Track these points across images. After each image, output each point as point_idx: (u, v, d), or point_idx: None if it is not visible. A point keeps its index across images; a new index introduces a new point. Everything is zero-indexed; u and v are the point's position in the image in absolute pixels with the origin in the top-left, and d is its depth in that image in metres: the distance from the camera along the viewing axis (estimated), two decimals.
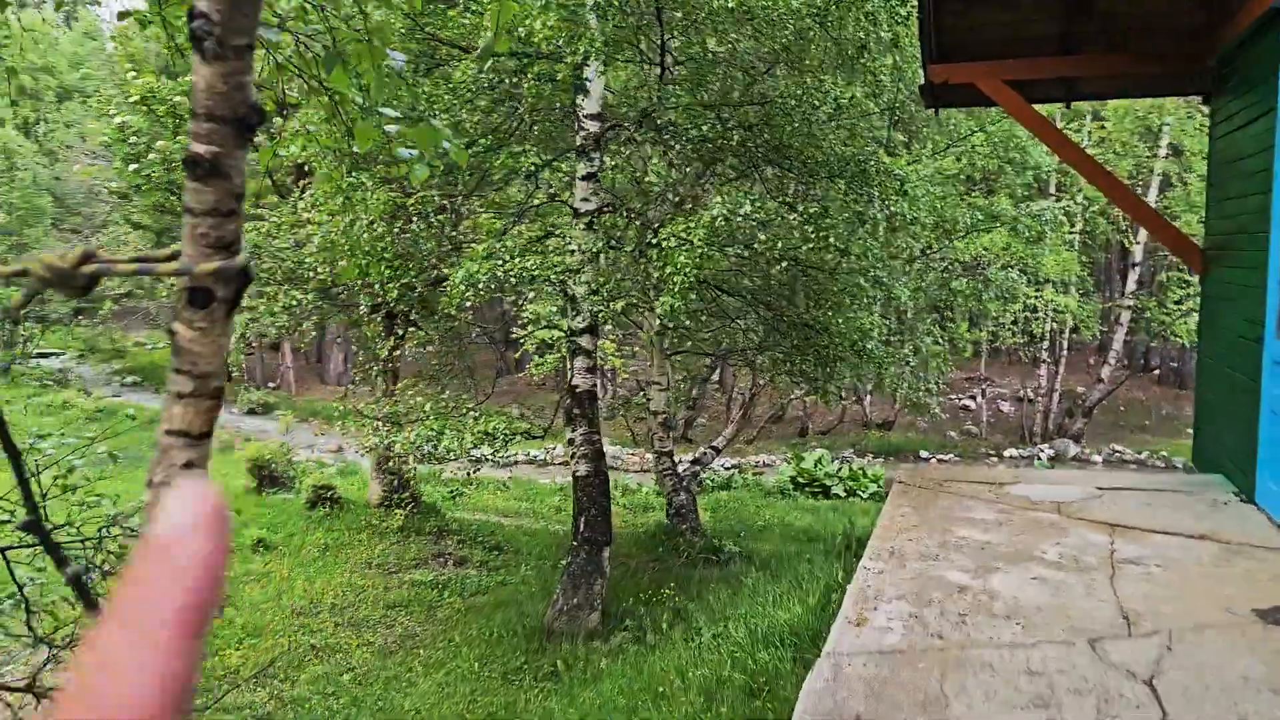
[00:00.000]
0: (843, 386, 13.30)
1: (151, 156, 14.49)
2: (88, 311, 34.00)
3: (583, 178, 11.56)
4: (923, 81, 10.44)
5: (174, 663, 0.44)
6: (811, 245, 9.76)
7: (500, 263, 9.46)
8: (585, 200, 11.48)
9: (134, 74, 15.83)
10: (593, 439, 11.54)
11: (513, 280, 9.46)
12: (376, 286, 10.38)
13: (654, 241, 9.77)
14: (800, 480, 23.43)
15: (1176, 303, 28.43)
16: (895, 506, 7.97)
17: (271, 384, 36.49)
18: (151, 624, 0.44)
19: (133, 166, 15.49)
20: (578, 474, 11.46)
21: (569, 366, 11.76)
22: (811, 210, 9.96)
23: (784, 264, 10.19)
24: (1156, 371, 39.02)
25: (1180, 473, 9.85)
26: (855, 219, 10.99)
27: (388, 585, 14.30)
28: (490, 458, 12.63)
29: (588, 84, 11.37)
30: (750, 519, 21.05)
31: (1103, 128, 24.44)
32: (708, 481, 23.35)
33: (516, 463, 29.12)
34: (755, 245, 9.92)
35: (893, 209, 12.99)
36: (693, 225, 9.08)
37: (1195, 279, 30.03)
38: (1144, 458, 27.66)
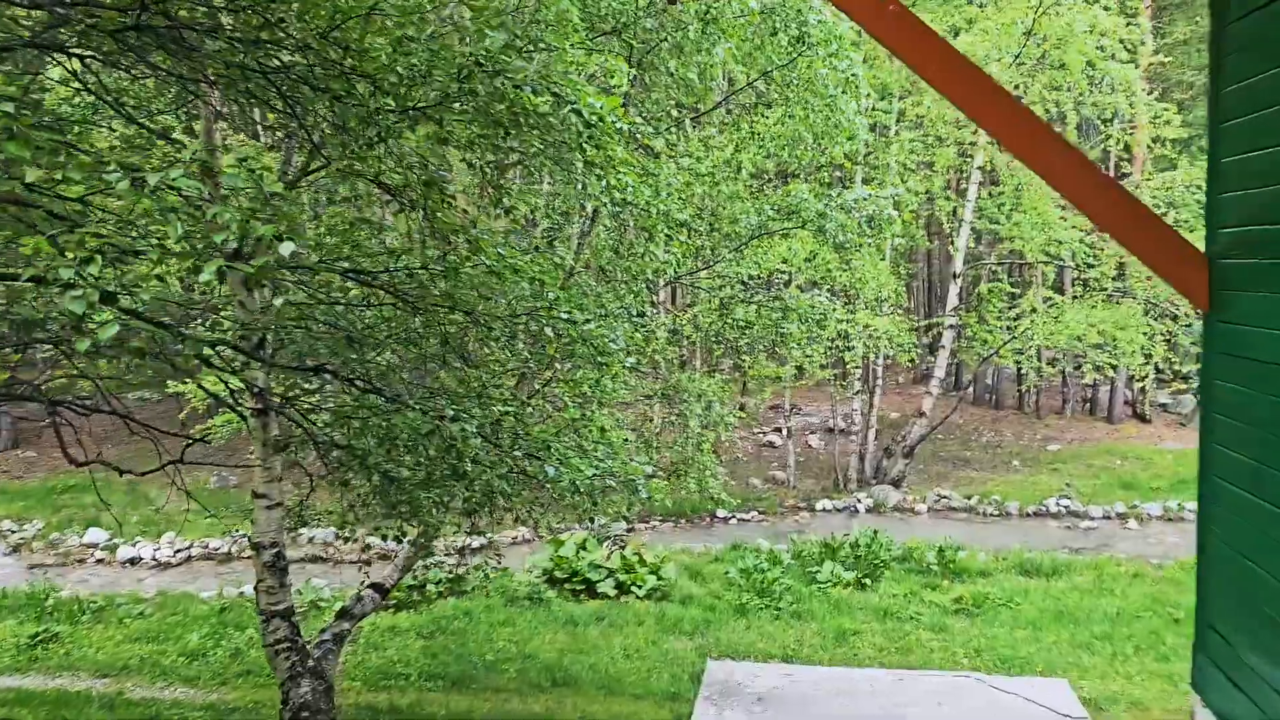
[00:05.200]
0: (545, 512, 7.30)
1: None
2: None
3: None
4: None
5: None
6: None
7: None
8: None
9: None
10: None
11: None
12: None
13: None
14: (558, 575, 17.45)
15: (998, 317, 24.39)
16: None
17: None
18: None
19: None
20: None
21: None
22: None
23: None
24: (970, 390, 35.69)
25: None
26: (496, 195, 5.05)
27: None
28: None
29: None
30: (477, 650, 14.83)
31: (919, 102, 19.91)
32: (431, 589, 16.96)
33: (190, 558, 21.76)
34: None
35: (621, 196, 7.15)
36: None
37: (1091, 299, 26.20)
38: (974, 503, 23.42)
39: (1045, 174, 5.07)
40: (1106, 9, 19.24)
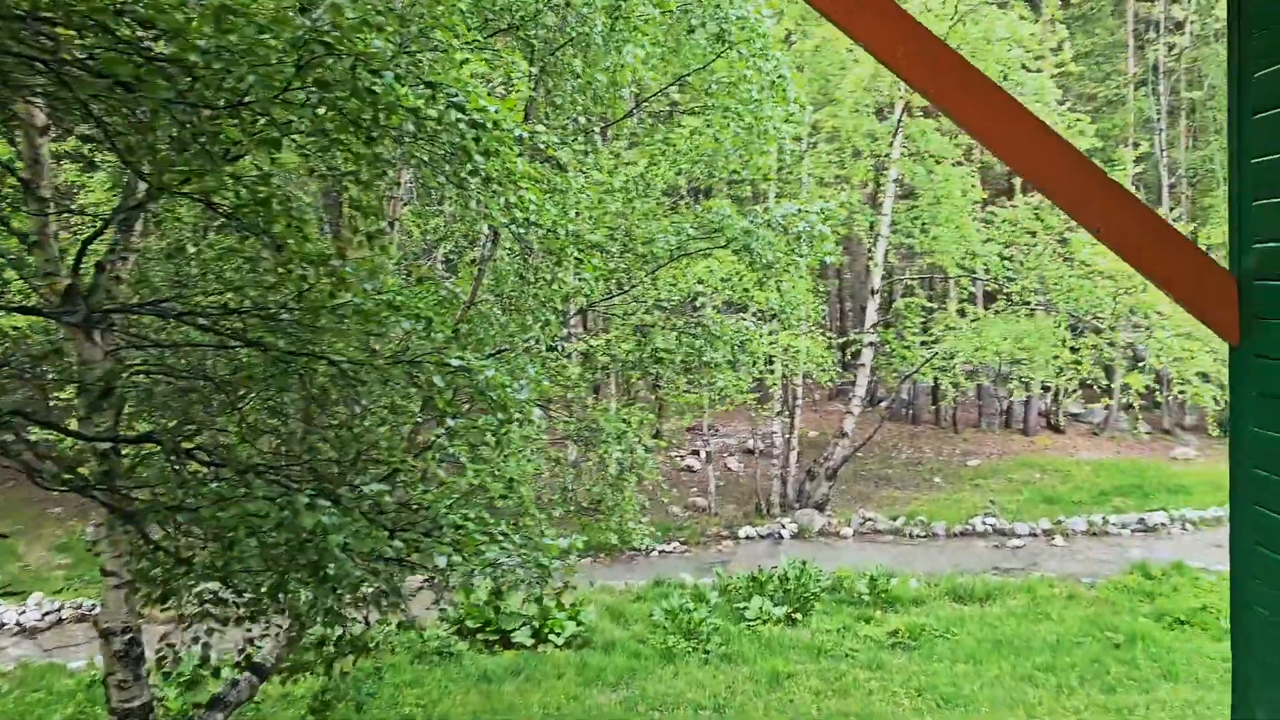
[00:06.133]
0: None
1: None
2: None
3: None
4: None
5: None
6: None
7: None
8: None
9: None
10: None
11: None
12: None
13: None
14: (470, 625, 16.13)
15: (916, 333, 23.96)
16: None
17: None
18: None
19: None
20: None
21: None
22: None
23: None
24: (884, 405, 35.44)
25: None
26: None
27: None
28: None
29: None
30: (381, 718, 13.47)
31: (835, 114, 19.34)
32: (328, 650, 15.37)
33: (60, 620, 19.69)
34: None
35: (524, 215, 6.06)
36: None
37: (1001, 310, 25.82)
38: (900, 525, 22.85)
39: (1039, 179, 4.20)
40: (1023, 18, 19.04)
